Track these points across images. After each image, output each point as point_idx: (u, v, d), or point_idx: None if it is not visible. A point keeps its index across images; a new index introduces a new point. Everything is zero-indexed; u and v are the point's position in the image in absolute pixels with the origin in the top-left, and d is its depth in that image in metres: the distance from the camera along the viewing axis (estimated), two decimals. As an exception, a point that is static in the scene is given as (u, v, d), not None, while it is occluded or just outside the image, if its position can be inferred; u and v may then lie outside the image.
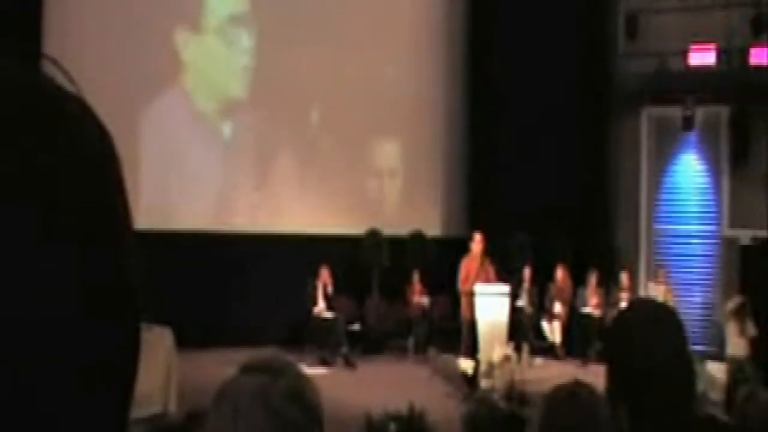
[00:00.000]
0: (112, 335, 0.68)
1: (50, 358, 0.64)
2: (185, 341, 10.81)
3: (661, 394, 2.14)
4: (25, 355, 0.63)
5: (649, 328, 2.21)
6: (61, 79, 0.70)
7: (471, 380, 11.97)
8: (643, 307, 2.30)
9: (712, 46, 15.96)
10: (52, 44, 13.30)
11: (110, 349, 0.68)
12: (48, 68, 0.70)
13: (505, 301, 12.85)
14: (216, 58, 15.68)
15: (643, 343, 2.18)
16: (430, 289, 15.38)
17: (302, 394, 1.76)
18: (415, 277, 15.43)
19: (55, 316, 0.64)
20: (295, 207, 15.78)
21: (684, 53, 16.15)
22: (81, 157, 0.67)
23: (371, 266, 15.80)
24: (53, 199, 0.64)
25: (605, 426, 2.72)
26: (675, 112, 16.23)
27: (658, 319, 2.26)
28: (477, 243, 13.61)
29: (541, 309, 15.42)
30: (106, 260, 0.68)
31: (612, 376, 2.27)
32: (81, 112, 0.70)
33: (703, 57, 16.07)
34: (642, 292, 15.46)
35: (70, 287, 0.65)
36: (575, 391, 2.76)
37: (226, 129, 15.74)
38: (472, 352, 12.62)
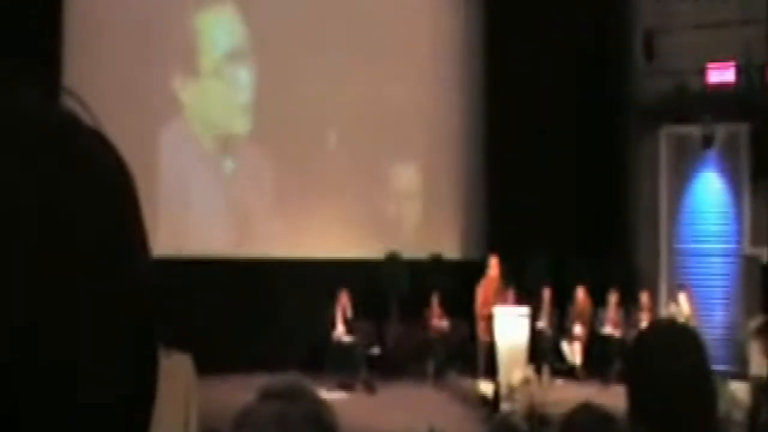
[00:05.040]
0: (129, 368, 0.67)
1: (62, 397, 0.63)
2: (205, 368, 10.76)
3: (682, 415, 2.12)
4: (31, 395, 0.62)
5: (669, 349, 2.19)
6: (79, 111, 0.70)
7: (491, 403, 11.91)
8: (663, 327, 2.28)
9: (730, 63, 15.91)
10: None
11: (127, 383, 0.67)
12: (67, 101, 0.71)
13: (525, 323, 12.80)
14: (216, 98, 15.79)
15: (663, 364, 2.16)
16: (449, 312, 15.32)
17: (320, 418, 1.75)
18: (434, 300, 15.36)
19: (68, 351, 0.63)
20: (314, 232, 15.77)
21: (702, 71, 16.11)
22: (98, 188, 0.67)
23: (390, 290, 15.76)
24: (71, 230, 0.64)
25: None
26: (694, 130, 16.18)
27: (678, 339, 2.24)
28: (493, 267, 13.61)
29: (561, 330, 15.34)
30: (123, 291, 0.67)
31: (632, 397, 2.25)
32: (97, 142, 0.70)
33: (721, 75, 16.02)
34: (663, 312, 15.35)
35: (88, 318, 0.64)
36: (589, 413, 2.74)
37: (246, 152, 15.77)
38: (492, 374, 12.57)
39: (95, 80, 13.14)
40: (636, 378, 2.25)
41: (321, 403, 1.82)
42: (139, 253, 0.69)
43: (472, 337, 14.41)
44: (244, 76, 15.92)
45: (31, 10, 12.79)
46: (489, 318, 12.93)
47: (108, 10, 14.45)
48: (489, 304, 13.17)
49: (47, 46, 13.12)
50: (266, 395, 1.81)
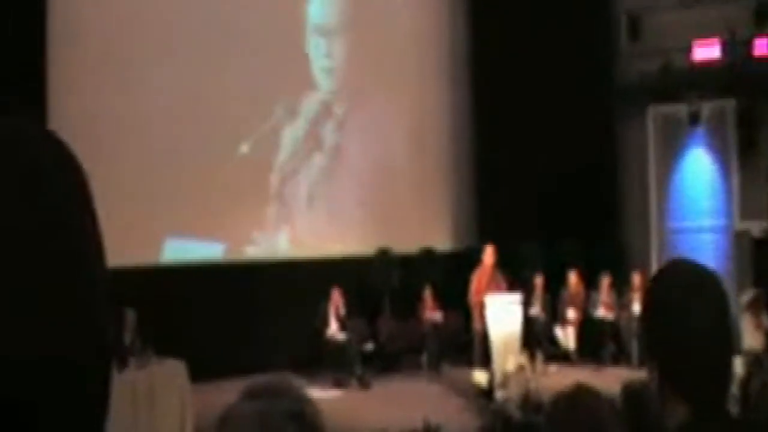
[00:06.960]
0: (80, 379, 0.68)
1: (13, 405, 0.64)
2: (200, 373, 10.75)
3: (697, 359, 2.05)
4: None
5: (689, 291, 2.11)
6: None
7: (486, 392, 11.90)
8: (684, 267, 2.17)
9: (715, 39, 15.94)
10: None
11: (79, 391, 0.68)
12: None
13: (517, 310, 12.78)
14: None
15: (683, 306, 2.08)
16: (442, 303, 15.31)
17: (303, 415, 1.72)
18: (427, 292, 15.35)
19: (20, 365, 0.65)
20: (304, 230, 15.71)
21: (688, 49, 16.13)
22: (55, 198, 0.69)
23: (382, 285, 15.75)
24: (28, 246, 0.66)
25: (609, 428, 2.68)
26: (680, 108, 16.23)
27: (700, 282, 2.16)
28: (488, 255, 13.56)
29: (554, 315, 15.35)
30: (75, 307, 0.68)
31: (648, 336, 2.18)
32: (55, 153, 0.71)
33: (706, 51, 16.05)
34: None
35: (40, 331, 0.66)
36: (577, 395, 2.72)
37: (240, 150, 15.42)
38: (486, 363, 12.55)
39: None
40: (652, 318, 2.17)
41: (304, 400, 1.79)
42: (92, 265, 0.71)
43: (466, 327, 14.40)
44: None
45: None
46: (481, 306, 12.90)
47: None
48: (483, 292, 13.13)
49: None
50: (249, 395, 1.78)
